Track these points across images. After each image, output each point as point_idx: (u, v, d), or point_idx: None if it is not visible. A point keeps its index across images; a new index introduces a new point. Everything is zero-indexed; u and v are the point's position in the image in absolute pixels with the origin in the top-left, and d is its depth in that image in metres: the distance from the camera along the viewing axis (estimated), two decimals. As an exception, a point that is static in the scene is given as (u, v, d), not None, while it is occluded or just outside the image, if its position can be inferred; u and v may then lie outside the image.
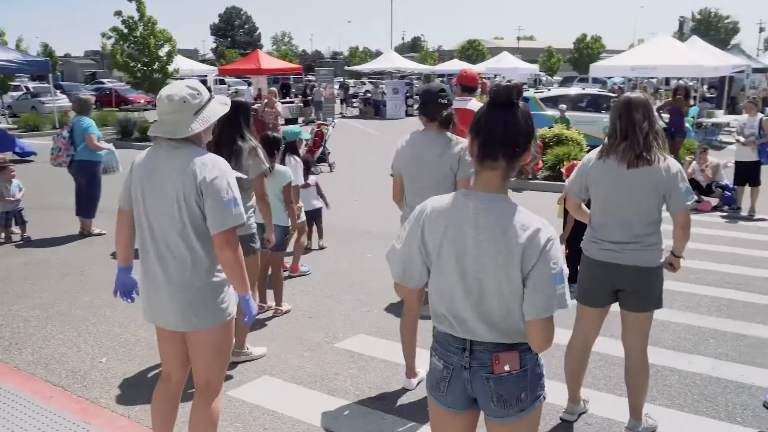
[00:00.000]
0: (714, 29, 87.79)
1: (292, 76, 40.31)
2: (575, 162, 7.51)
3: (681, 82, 20.57)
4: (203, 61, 50.36)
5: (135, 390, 4.42)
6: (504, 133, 2.15)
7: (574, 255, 6.72)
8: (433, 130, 4.12)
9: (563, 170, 7.88)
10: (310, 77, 45.03)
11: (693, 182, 10.00)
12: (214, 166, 2.90)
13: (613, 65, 21.52)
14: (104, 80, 49.69)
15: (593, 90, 21.74)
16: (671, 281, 5.74)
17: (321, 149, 14.49)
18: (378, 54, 73.12)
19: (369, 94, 34.38)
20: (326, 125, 15.48)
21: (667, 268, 3.76)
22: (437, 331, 2.32)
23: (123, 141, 18.70)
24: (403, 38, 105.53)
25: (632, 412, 3.79)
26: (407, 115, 30.68)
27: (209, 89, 3.54)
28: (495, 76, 43.47)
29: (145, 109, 30.68)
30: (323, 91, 24.47)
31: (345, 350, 5.07)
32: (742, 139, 10.14)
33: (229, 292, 3.07)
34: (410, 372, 4.41)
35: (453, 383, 2.25)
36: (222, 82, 39.30)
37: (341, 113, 31.46)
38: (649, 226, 3.56)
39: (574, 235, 6.89)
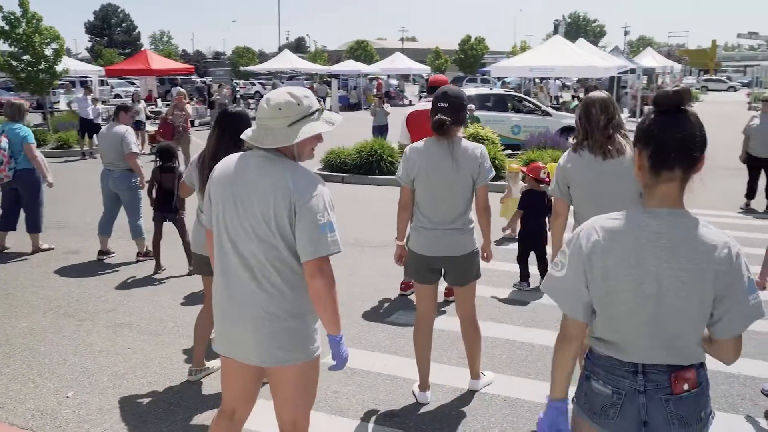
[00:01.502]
0: (583, 32, 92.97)
1: (180, 77, 38.78)
2: (536, 164, 7.56)
3: (582, 82, 21.46)
4: (80, 60, 47.13)
5: (120, 427, 3.97)
6: (679, 140, 1.99)
7: (526, 251, 6.80)
8: (448, 138, 3.93)
9: (524, 170, 7.90)
10: (196, 78, 43.65)
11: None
12: (311, 184, 2.54)
13: (512, 66, 22.05)
14: (-31, 81, 45.85)
15: (499, 90, 22.31)
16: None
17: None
18: (263, 54, 71.99)
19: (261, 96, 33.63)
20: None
21: None
22: (596, 353, 2.16)
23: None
24: (287, 38, 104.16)
25: None
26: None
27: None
28: (388, 76, 44.01)
29: (28, 111, 28.39)
30: (226, 92, 23.65)
31: (335, 366, 4.81)
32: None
33: (319, 327, 2.72)
34: (424, 385, 4.22)
35: (626, 409, 2.09)
36: (105, 83, 37.23)
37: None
38: None
39: (526, 230, 6.96)
